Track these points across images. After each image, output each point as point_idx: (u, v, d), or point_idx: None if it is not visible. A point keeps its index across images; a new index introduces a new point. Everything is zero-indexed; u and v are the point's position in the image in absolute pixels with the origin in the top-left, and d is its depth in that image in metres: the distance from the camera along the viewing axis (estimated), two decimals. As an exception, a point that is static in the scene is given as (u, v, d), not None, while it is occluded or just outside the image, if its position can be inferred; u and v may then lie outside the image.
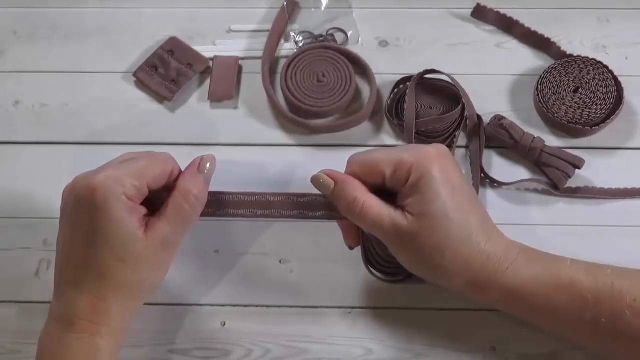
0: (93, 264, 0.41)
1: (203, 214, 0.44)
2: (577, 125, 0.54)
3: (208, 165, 0.44)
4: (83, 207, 0.41)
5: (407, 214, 0.42)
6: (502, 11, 0.60)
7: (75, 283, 0.41)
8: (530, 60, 0.59)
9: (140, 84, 0.58)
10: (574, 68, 0.55)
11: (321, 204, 0.46)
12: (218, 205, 0.46)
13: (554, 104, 0.54)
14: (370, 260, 0.49)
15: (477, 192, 0.52)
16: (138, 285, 0.43)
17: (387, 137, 0.56)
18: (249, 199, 0.46)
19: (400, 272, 0.48)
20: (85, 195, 0.41)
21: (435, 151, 0.43)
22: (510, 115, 0.55)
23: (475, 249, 0.42)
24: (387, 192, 0.44)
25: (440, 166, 0.42)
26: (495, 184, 0.53)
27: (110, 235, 0.40)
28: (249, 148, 0.55)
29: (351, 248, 0.48)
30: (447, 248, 0.42)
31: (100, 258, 0.41)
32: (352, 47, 0.59)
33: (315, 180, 0.45)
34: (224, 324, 0.49)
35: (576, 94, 0.55)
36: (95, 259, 0.41)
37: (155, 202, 0.44)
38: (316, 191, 0.45)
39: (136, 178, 0.41)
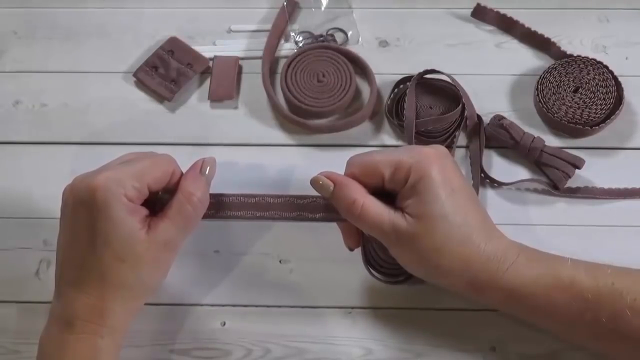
0: (94, 265, 0.41)
1: (204, 216, 0.45)
2: (577, 125, 0.54)
3: (209, 168, 0.45)
4: (83, 208, 0.41)
5: (406, 215, 0.42)
6: (502, 11, 0.60)
7: (75, 284, 0.41)
8: (530, 60, 0.59)
9: (140, 84, 0.58)
10: (574, 68, 0.55)
11: (321, 205, 0.46)
12: (218, 207, 0.46)
13: (554, 104, 0.54)
14: (370, 261, 0.49)
15: (477, 192, 0.52)
16: (139, 286, 0.43)
17: (387, 137, 0.56)
18: (248, 201, 0.46)
19: (401, 273, 0.48)
20: (86, 197, 0.41)
21: (434, 152, 0.43)
22: (510, 115, 0.55)
23: (475, 249, 0.42)
24: (386, 194, 0.44)
25: (439, 167, 0.42)
26: (495, 184, 0.53)
27: (110, 236, 0.40)
28: (249, 148, 0.55)
29: (351, 249, 0.48)
30: (447, 249, 0.42)
31: (101, 259, 0.41)
32: (352, 47, 0.59)
33: (314, 183, 0.45)
34: (224, 324, 0.49)
35: (576, 94, 0.55)
36: (95, 259, 0.41)
37: (155, 203, 0.44)
38: (316, 192, 0.45)
39: (136, 179, 0.41)
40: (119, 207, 0.40)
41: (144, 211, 0.43)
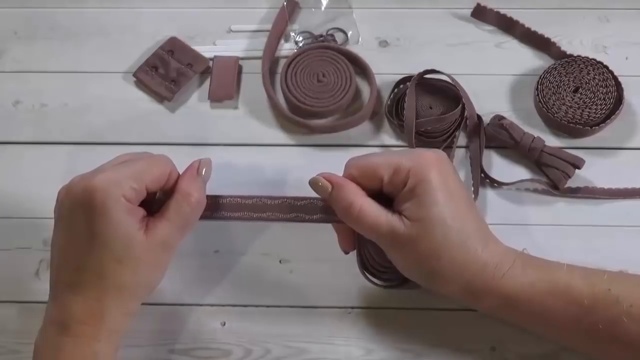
0: (91, 266, 0.41)
1: (200, 217, 0.45)
2: (577, 125, 0.54)
3: (205, 169, 0.45)
4: (81, 209, 0.41)
5: (404, 218, 0.42)
6: (502, 11, 0.60)
7: (72, 286, 0.41)
8: (530, 60, 0.59)
9: (140, 84, 0.58)
10: (574, 68, 0.55)
11: (318, 207, 0.46)
12: (215, 208, 0.46)
13: (554, 104, 0.54)
14: (365, 265, 0.48)
15: (477, 192, 0.52)
16: (136, 287, 0.42)
17: (387, 137, 0.56)
18: (245, 202, 0.46)
19: (396, 277, 0.47)
20: (84, 198, 0.40)
21: (433, 156, 0.43)
22: (510, 115, 0.55)
23: (472, 254, 0.42)
24: (384, 197, 0.44)
25: (438, 171, 0.42)
26: (495, 184, 0.53)
27: (109, 237, 0.40)
28: (249, 148, 0.55)
29: (346, 252, 0.48)
30: (444, 253, 0.41)
31: (99, 259, 0.40)
32: (352, 47, 0.59)
33: (313, 184, 0.45)
34: (224, 324, 0.49)
35: (576, 94, 0.55)
36: (93, 261, 0.41)
37: (152, 204, 0.44)
38: (313, 194, 0.45)
39: (135, 180, 0.41)
40: (118, 207, 0.40)
41: (142, 212, 0.42)
